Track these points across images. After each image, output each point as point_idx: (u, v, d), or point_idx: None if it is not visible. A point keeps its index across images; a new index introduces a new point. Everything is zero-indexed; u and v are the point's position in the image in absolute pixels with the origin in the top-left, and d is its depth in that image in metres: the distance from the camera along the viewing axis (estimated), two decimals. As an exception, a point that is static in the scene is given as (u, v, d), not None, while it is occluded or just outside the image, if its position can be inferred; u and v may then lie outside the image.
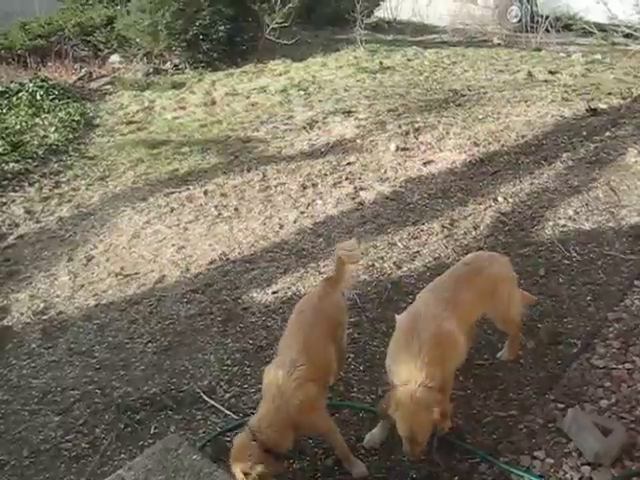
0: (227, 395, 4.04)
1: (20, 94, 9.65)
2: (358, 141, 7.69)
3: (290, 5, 11.94)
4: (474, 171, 6.75)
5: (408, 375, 3.15)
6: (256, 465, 3.03)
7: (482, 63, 10.89)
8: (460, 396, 3.79)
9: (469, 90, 9.32)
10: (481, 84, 9.63)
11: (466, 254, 5.20)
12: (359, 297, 4.85)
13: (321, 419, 3.34)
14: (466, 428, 3.60)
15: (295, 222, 6.08)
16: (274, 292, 5.05)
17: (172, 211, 6.51)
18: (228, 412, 3.89)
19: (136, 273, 5.54)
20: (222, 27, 10.96)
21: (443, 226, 5.75)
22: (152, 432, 3.83)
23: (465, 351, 3.47)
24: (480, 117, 8.15)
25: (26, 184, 7.31)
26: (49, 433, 3.94)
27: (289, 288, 5.08)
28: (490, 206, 6.03)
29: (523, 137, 7.42)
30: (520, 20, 14.27)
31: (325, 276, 5.10)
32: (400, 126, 7.96)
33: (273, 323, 4.66)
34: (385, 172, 6.89)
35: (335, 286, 3.81)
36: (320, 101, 9.21)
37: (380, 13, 15.37)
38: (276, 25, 12.03)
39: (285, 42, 12.22)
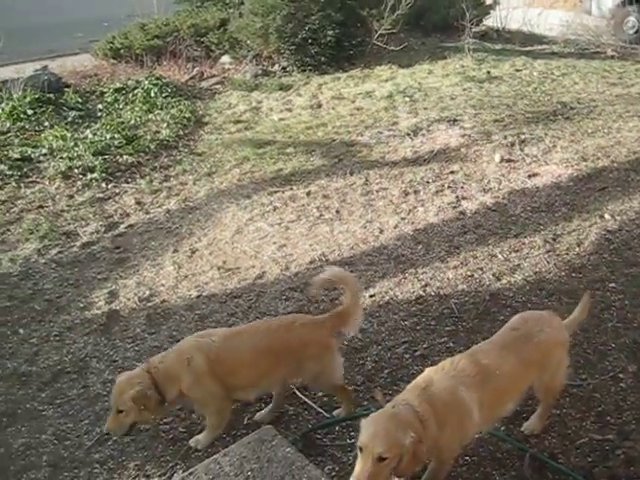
0: (320, 393, 4.10)
1: (136, 91, 10.08)
2: (462, 150, 7.65)
3: (399, 12, 11.91)
4: (580, 186, 6.60)
5: (406, 396, 3.02)
6: (143, 390, 3.47)
7: (594, 75, 10.57)
8: (555, 414, 3.73)
9: (579, 103, 9.09)
10: (592, 97, 9.38)
11: (568, 270, 5.13)
12: (457, 307, 4.84)
13: (201, 387, 3.59)
14: (560, 448, 3.54)
15: (395, 227, 6.11)
16: (371, 295, 5.09)
17: (275, 210, 6.66)
18: (320, 410, 3.96)
19: (237, 268, 5.70)
20: (331, 32, 11.06)
21: (546, 240, 5.65)
22: (245, 423, 3.93)
23: (474, 430, 3.18)
24: (589, 131, 7.95)
25: (138, 176, 7.61)
26: (150, 414, 4.12)
27: (386, 292, 5.11)
28: (596, 223, 5.88)
29: (634, 153, 7.20)
30: (637, 31, 13.76)
31: (424, 283, 5.14)
32: (505, 137, 7.88)
33: (369, 326, 4.69)
34: (488, 183, 6.82)
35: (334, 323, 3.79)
36: (425, 108, 9.19)
37: (489, 22, 15.10)
38: (384, 31, 12.04)
39: (392, 48, 12.19)
